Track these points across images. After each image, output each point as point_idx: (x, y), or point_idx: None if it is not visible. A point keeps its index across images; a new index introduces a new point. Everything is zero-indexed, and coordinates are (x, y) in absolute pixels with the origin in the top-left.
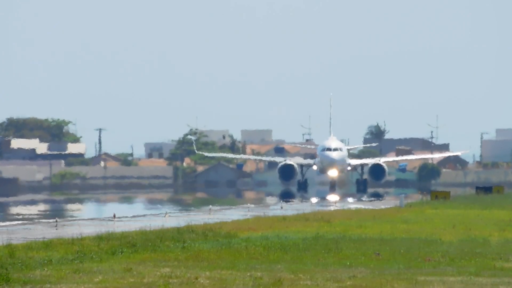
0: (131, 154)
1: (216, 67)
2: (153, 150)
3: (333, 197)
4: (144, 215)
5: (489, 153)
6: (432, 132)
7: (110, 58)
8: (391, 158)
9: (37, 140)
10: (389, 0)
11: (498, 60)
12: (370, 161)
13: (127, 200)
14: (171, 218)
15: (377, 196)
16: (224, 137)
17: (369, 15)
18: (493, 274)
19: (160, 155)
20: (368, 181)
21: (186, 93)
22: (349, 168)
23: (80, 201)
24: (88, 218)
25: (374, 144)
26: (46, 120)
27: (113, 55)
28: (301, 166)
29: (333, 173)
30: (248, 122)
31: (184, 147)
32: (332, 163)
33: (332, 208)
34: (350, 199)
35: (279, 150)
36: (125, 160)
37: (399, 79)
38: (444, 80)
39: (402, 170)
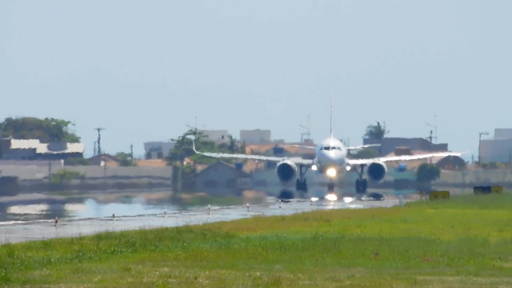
0: (131, 154)
1: (215, 67)
2: (152, 150)
3: (331, 197)
4: (143, 215)
5: (488, 153)
6: (431, 132)
7: (110, 57)
8: (390, 158)
9: (37, 140)
10: (388, 0)
11: (496, 60)
12: (369, 161)
13: (127, 199)
14: (170, 218)
15: (376, 196)
16: (223, 137)
17: (368, 15)
18: (492, 274)
19: (160, 155)
20: (367, 181)
21: (185, 93)
22: (348, 168)
23: (80, 200)
24: (88, 218)
25: (376, 145)
26: (46, 120)
27: (113, 55)
28: (300, 166)
29: (331, 172)
30: (247, 122)
31: (184, 147)
32: (330, 162)
33: (331, 207)
34: (349, 199)
35: (279, 150)
36: (125, 160)
37: (398, 79)
38: (443, 80)
39: (402, 170)
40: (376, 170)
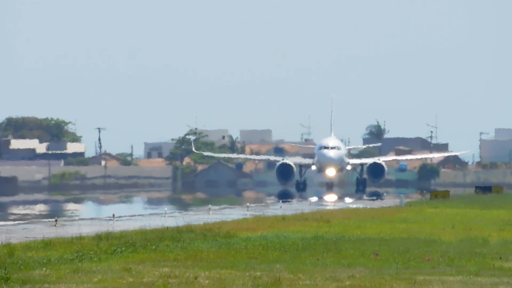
0: (131, 154)
1: (216, 67)
2: (153, 150)
3: (331, 197)
4: (143, 215)
5: (488, 153)
6: (431, 132)
7: (110, 57)
8: (391, 157)
9: (37, 140)
10: (389, 0)
11: (497, 59)
12: (369, 160)
13: (127, 199)
14: (170, 218)
15: (377, 195)
16: (223, 137)
17: (368, 14)
18: (492, 274)
19: (160, 155)
20: (368, 181)
21: (185, 93)
22: (348, 167)
23: (80, 200)
24: (88, 218)
25: (377, 145)
26: (46, 119)
27: (113, 54)
28: (300, 166)
29: (330, 172)
30: (247, 122)
31: (184, 146)
32: (329, 161)
33: (331, 207)
34: (349, 199)
35: (279, 150)
36: (125, 159)
37: (398, 79)
38: (443, 79)
39: (402, 170)
40: (376, 170)
